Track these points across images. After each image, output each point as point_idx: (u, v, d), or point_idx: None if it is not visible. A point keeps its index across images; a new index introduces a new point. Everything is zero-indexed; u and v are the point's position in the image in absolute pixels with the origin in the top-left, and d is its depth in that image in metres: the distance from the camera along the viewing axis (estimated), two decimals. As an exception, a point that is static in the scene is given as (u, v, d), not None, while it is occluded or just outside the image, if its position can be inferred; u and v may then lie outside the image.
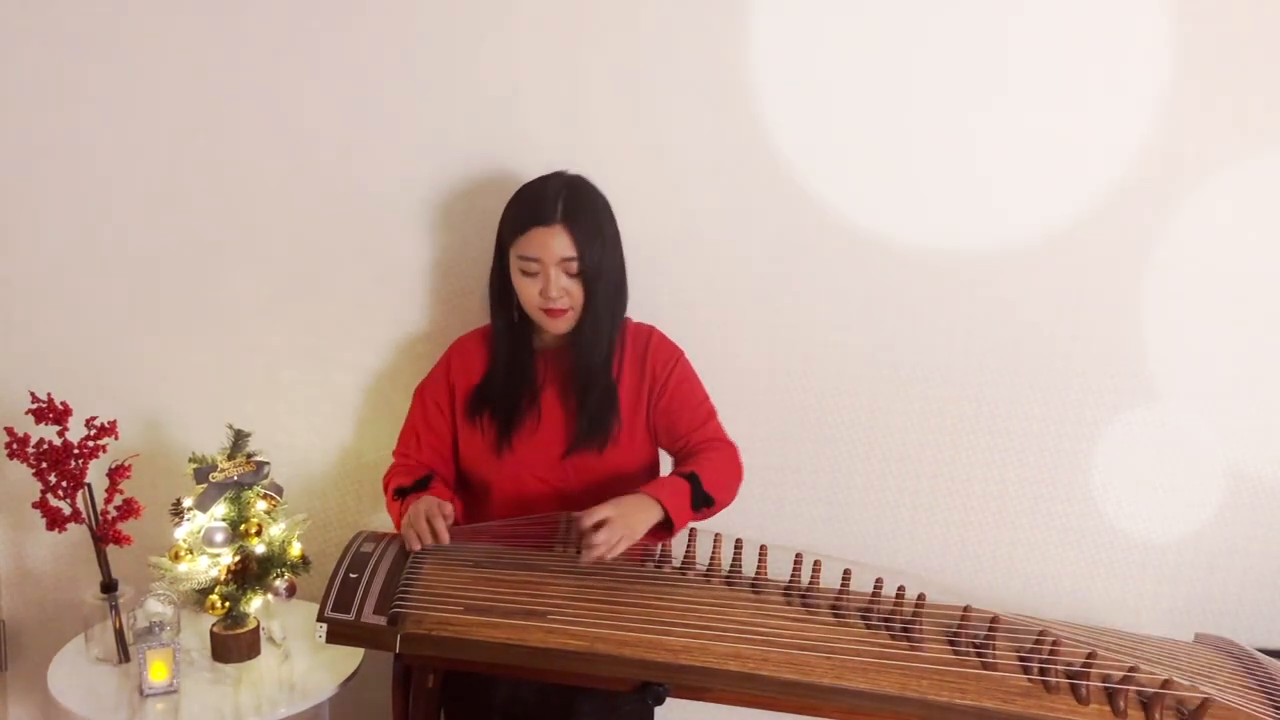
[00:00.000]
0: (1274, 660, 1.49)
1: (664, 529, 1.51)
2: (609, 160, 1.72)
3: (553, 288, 1.57)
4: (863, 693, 1.31)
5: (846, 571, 1.53)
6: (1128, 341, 1.83)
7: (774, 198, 1.81)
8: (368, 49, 1.78)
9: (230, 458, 1.64)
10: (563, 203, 1.56)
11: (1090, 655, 1.35)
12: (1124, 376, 1.84)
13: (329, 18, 1.77)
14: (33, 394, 1.59)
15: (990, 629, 1.42)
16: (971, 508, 1.91)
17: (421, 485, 1.64)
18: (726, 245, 1.84)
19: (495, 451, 1.65)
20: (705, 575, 1.56)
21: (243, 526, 1.61)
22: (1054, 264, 1.81)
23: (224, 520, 1.61)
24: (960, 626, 1.44)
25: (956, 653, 1.40)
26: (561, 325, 1.61)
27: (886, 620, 1.46)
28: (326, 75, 1.79)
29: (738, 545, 1.58)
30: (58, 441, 1.59)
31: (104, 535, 1.62)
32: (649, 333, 1.70)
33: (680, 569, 1.58)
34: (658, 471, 1.73)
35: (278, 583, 1.64)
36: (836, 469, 1.91)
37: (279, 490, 1.69)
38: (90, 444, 1.60)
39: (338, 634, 1.38)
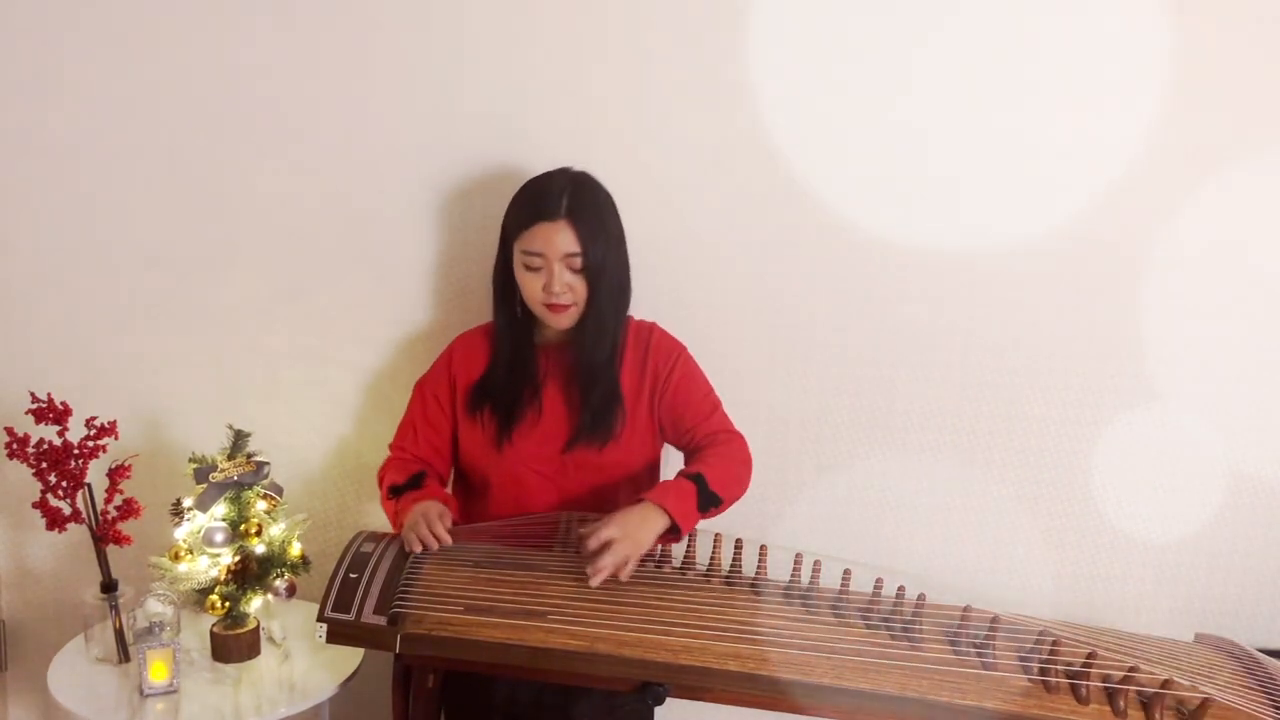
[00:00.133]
0: (1274, 660, 1.49)
1: (671, 534, 1.51)
2: (609, 160, 1.71)
3: (556, 283, 1.57)
4: (863, 693, 1.31)
5: (846, 571, 1.53)
6: (1128, 341, 1.83)
7: (774, 198, 1.81)
8: (368, 49, 1.78)
9: (230, 458, 1.64)
10: (568, 198, 1.56)
11: (1090, 655, 1.35)
12: (1124, 376, 1.84)
13: (329, 17, 1.77)
14: (33, 394, 1.59)
15: (990, 629, 1.42)
16: (971, 508, 1.91)
17: (415, 483, 1.64)
18: (726, 245, 1.84)
19: (495, 445, 1.65)
20: (705, 575, 1.56)
21: (243, 526, 1.61)
22: (1054, 264, 1.81)
23: (224, 520, 1.61)
24: (960, 627, 1.44)
25: (957, 653, 1.40)
26: (564, 321, 1.61)
27: (886, 620, 1.46)
28: (326, 75, 1.79)
29: (738, 545, 1.58)
30: (58, 441, 1.59)
31: (104, 535, 1.62)
32: (650, 330, 1.70)
33: (680, 569, 1.58)
34: (657, 467, 1.73)
35: (278, 583, 1.64)
36: (836, 469, 1.91)
37: (279, 490, 1.69)
38: (90, 444, 1.60)
39: (338, 634, 1.38)
